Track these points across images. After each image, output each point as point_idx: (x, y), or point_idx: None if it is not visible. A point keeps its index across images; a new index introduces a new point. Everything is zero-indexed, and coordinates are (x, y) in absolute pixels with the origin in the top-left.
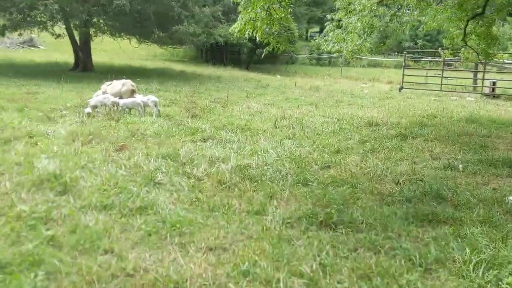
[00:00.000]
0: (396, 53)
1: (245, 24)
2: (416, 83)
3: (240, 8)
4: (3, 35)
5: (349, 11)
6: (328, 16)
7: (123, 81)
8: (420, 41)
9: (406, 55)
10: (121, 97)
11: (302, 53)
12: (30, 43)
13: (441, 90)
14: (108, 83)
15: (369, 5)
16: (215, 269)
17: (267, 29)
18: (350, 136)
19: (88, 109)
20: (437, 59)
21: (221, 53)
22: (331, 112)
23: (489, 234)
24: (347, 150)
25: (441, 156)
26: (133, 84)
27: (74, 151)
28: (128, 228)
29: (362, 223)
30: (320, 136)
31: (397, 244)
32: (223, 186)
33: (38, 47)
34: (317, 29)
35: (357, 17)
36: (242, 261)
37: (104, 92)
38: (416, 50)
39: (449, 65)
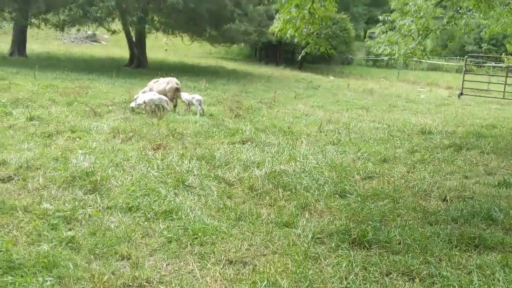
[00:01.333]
0: (458, 57)
1: (286, 23)
2: (477, 89)
3: (275, 7)
4: (62, 30)
5: (405, 13)
6: (380, 18)
7: (168, 79)
8: (485, 45)
9: (468, 59)
10: (165, 95)
11: (359, 54)
12: (93, 38)
13: (504, 98)
14: (154, 80)
15: (425, 6)
16: (231, 285)
17: (305, 30)
18: (399, 144)
19: (133, 104)
20: (500, 64)
21: (275, 52)
22: (382, 117)
23: None
24: (394, 160)
25: (497, 172)
26: (178, 82)
27: (112, 148)
28: (150, 233)
29: (399, 243)
30: (367, 143)
31: (435, 271)
32: (254, 193)
33: (100, 43)
34: (376, 29)
35: (412, 19)
36: (261, 279)
37: (150, 89)
38: (480, 54)
39: None
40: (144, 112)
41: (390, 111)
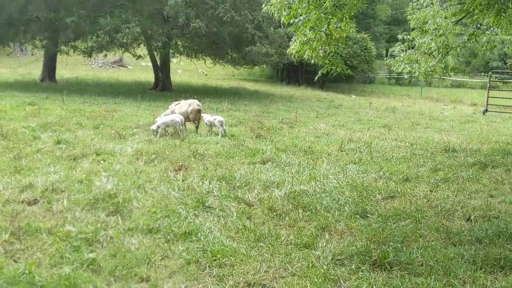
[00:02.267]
0: (482, 73)
1: (303, 45)
2: (502, 105)
3: (291, 29)
4: (90, 56)
5: (425, 31)
6: (399, 37)
7: (190, 101)
8: (510, 60)
9: (493, 75)
10: (187, 117)
11: (381, 72)
12: (120, 63)
13: None
14: (176, 102)
15: (444, 24)
16: None
17: (322, 51)
18: (422, 162)
19: (154, 126)
20: None
21: (296, 73)
22: (405, 135)
23: None
24: (417, 179)
25: None
26: (199, 104)
27: (135, 170)
28: (169, 254)
29: (421, 265)
30: (389, 161)
31: None
32: (274, 213)
33: (127, 67)
34: (396, 48)
35: (431, 37)
36: None
37: (172, 112)
38: (505, 70)
39: None
40: (158, 135)
41: (412, 129)
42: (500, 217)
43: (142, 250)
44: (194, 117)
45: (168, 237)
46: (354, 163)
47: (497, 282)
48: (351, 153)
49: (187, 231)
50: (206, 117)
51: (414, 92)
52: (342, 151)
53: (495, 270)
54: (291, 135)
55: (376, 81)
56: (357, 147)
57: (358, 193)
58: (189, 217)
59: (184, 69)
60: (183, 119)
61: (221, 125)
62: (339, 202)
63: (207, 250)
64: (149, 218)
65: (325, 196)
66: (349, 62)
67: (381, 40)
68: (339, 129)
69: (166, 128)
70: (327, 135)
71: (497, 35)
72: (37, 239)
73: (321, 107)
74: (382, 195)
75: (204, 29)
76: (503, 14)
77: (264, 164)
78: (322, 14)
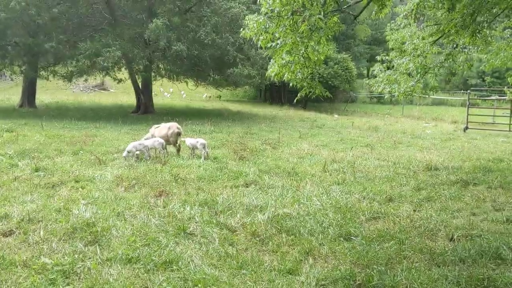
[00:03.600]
0: (462, 91)
1: (281, 68)
2: (482, 123)
3: (268, 53)
4: (70, 80)
5: (403, 51)
6: (378, 57)
7: (169, 124)
8: (488, 78)
9: (472, 93)
10: (167, 140)
11: (363, 92)
12: (101, 86)
13: (510, 130)
14: (156, 126)
15: (422, 45)
16: None
17: (299, 73)
18: (405, 182)
19: (124, 154)
20: (504, 97)
21: (279, 93)
22: (388, 154)
23: None
24: (400, 199)
25: (505, 207)
26: (179, 126)
27: (114, 196)
28: (149, 285)
29: (406, 287)
30: (372, 181)
31: None
32: (257, 239)
33: (108, 90)
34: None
35: (409, 58)
36: None
37: (152, 135)
38: (483, 88)
39: None
40: (134, 158)
41: (395, 148)
42: (483, 236)
43: (120, 281)
44: (174, 141)
45: (148, 266)
46: (338, 184)
47: None
48: (335, 174)
49: (168, 260)
50: (189, 140)
51: (396, 111)
52: (325, 171)
53: None
54: (274, 156)
55: (358, 100)
56: (340, 167)
57: (342, 214)
58: (169, 245)
59: (168, 92)
60: (164, 143)
61: (204, 147)
62: (323, 225)
63: (188, 280)
64: (128, 247)
65: (309, 219)
66: (330, 82)
67: (362, 60)
68: (322, 149)
69: (132, 155)
70: (310, 155)
71: (472, 54)
72: (12, 273)
73: (304, 127)
74: (366, 216)
75: (186, 52)
76: (478, 35)
77: (247, 187)
78: (298, 38)
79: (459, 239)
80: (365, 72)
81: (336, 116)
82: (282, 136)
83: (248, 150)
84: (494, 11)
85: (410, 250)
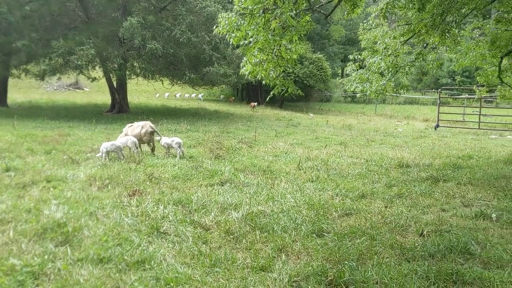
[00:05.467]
0: (433, 90)
1: (255, 66)
2: (453, 121)
3: (240, 50)
4: (42, 79)
5: (375, 51)
6: (351, 57)
7: (142, 123)
8: (458, 77)
9: (443, 92)
10: (140, 139)
11: (337, 91)
12: (76, 85)
13: (479, 128)
14: (129, 125)
15: (393, 44)
16: None
17: (272, 72)
18: (377, 179)
19: (98, 155)
20: (474, 96)
21: (256, 92)
22: (360, 152)
23: None
24: (372, 195)
25: (474, 203)
26: (152, 125)
27: (87, 196)
28: (121, 285)
29: (376, 283)
30: (345, 179)
31: None
32: (231, 237)
33: (83, 89)
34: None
35: (380, 57)
36: None
37: (126, 135)
38: (454, 87)
39: (490, 102)
40: (103, 157)
41: (368, 146)
42: (452, 231)
43: (91, 281)
44: (148, 139)
45: (120, 266)
46: (312, 181)
47: None
48: (309, 171)
49: (140, 259)
50: (164, 139)
51: (369, 110)
52: (300, 169)
53: (447, 285)
54: (250, 155)
55: (333, 100)
56: (314, 165)
57: (315, 211)
58: (142, 245)
59: (143, 90)
60: (137, 142)
61: (179, 146)
62: (296, 222)
63: (160, 279)
64: (100, 247)
65: (283, 216)
66: (306, 81)
67: (336, 59)
68: (297, 148)
69: (104, 156)
70: (285, 153)
71: (441, 53)
72: None
73: (280, 126)
74: (338, 212)
75: (161, 50)
76: (447, 34)
77: (222, 185)
78: (270, 36)
79: (429, 235)
80: (339, 71)
81: (311, 115)
82: (258, 135)
83: (224, 148)
84: (463, 11)
85: (381, 245)
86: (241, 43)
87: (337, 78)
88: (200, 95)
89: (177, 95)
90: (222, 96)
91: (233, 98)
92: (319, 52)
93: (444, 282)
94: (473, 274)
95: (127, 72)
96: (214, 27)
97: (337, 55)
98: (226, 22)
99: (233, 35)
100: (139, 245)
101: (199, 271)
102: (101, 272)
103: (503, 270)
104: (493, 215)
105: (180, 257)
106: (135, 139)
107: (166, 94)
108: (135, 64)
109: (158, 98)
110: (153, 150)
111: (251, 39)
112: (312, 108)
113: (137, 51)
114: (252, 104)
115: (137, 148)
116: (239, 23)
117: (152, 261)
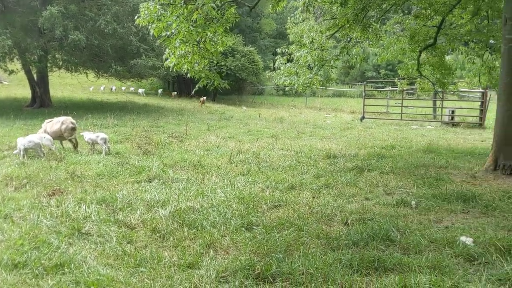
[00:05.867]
0: (360, 83)
1: (180, 58)
2: (377, 112)
3: (160, 41)
4: None
5: (303, 44)
6: (279, 50)
7: (62, 118)
8: (383, 70)
9: (368, 85)
10: (61, 136)
11: (270, 84)
12: None
13: (401, 119)
14: (48, 120)
15: (318, 38)
16: None
17: (197, 64)
18: (306, 170)
19: (15, 152)
20: (396, 88)
21: (188, 85)
22: (291, 144)
23: (438, 283)
24: (301, 186)
25: (395, 191)
26: (73, 121)
27: (2, 197)
28: None
29: (302, 273)
30: (275, 171)
31: None
32: (158, 235)
33: (2, 83)
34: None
35: (307, 51)
36: None
37: (44, 131)
38: (378, 80)
39: (411, 94)
40: (21, 155)
41: (298, 138)
42: (374, 219)
43: None
44: (69, 136)
45: (37, 271)
46: (243, 175)
47: (371, 284)
48: (240, 165)
49: (59, 262)
50: (87, 134)
51: (300, 102)
52: (231, 163)
53: (370, 272)
54: (181, 150)
55: (266, 93)
56: (246, 158)
57: (245, 205)
58: (62, 247)
59: (68, 83)
60: (52, 139)
61: (105, 142)
62: (226, 216)
63: (80, 282)
64: (15, 252)
65: (212, 211)
66: (238, 74)
67: (268, 53)
68: (229, 141)
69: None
70: (217, 147)
71: (369, 48)
72: None
73: (213, 119)
74: (268, 205)
75: (85, 41)
76: (369, 29)
77: (150, 182)
78: (192, 27)
79: (353, 223)
80: (271, 65)
81: (244, 108)
82: (190, 129)
83: (153, 144)
84: (383, 6)
85: (308, 236)
86: (163, 34)
87: (267, 72)
88: (140, 90)
89: (102, 88)
90: (160, 90)
91: (175, 93)
92: (250, 45)
93: (366, 269)
94: (393, 260)
95: (48, 65)
96: (136, 17)
97: (268, 48)
98: (147, 12)
99: (153, 25)
100: (58, 248)
101: (123, 272)
102: (15, 278)
103: (421, 255)
104: (413, 202)
105: (103, 259)
106: (50, 137)
107: (108, 87)
108: (57, 56)
109: (103, 91)
110: (75, 146)
111: (173, 31)
112: (245, 101)
113: (58, 42)
114: (202, 99)
115: (53, 145)
116: (159, 14)
117: (72, 264)
